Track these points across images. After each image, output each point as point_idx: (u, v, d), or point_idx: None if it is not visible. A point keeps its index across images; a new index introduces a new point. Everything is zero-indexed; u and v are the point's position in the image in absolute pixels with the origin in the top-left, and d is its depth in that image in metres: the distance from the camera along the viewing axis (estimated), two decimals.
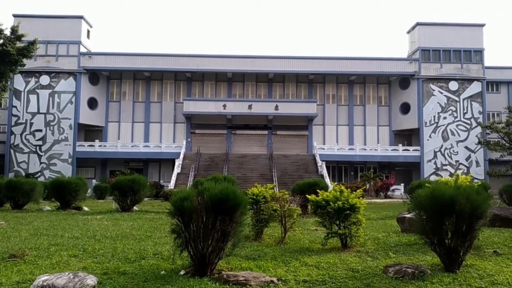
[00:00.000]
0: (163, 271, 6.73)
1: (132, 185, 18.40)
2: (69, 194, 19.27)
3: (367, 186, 37.10)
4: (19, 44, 34.04)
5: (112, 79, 46.02)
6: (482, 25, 45.10)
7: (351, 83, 46.37)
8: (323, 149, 42.60)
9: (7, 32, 34.00)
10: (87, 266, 7.05)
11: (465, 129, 43.52)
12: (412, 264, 7.17)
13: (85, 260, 7.61)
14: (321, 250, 8.80)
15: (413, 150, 43.55)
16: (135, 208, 19.11)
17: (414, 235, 10.13)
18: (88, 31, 45.46)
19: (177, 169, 37.46)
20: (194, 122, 44.91)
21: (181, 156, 39.85)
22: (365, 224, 9.64)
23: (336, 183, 34.61)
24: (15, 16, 41.16)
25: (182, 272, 6.65)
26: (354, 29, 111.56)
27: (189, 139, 44.41)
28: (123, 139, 44.45)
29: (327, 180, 33.89)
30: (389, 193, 38.61)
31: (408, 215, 11.45)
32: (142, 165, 44.62)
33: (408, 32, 46.88)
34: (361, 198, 9.21)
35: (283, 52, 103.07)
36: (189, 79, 45.85)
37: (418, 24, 44.95)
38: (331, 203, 8.88)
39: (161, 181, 40.56)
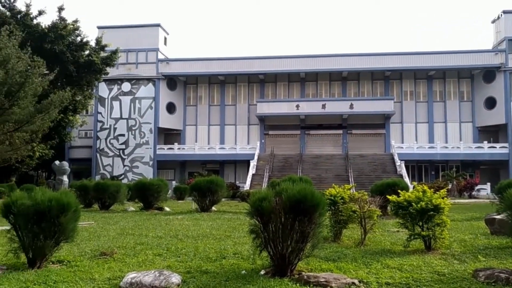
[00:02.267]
0: (244, 271, 6.81)
1: (210, 186, 18.75)
2: (151, 195, 20.09)
3: (450, 185, 35.37)
4: (102, 54, 36.21)
5: (189, 83, 47.57)
6: None
7: (430, 78, 44.46)
8: (402, 148, 41.20)
9: (92, 43, 36.26)
10: (171, 265, 7.30)
11: None
12: (506, 268, 6.70)
13: (169, 259, 7.88)
14: (403, 252, 8.49)
15: (500, 147, 40.91)
16: (213, 208, 19.51)
17: (506, 238, 9.51)
18: (165, 38, 47.33)
19: (252, 170, 37.93)
20: (268, 124, 45.25)
21: (256, 157, 40.30)
22: (450, 225, 9.17)
23: (416, 182, 33.42)
24: (99, 28, 43.76)
25: (262, 272, 6.69)
26: (433, 22, 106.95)
27: (263, 141, 44.81)
28: (200, 142, 45.79)
29: (407, 180, 32.76)
30: (473, 193, 36.54)
31: (498, 217, 10.74)
32: (218, 167, 45.70)
33: (493, 22, 44.15)
34: (445, 198, 8.79)
35: (357, 49, 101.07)
36: (262, 81, 46.30)
37: (504, 12, 42.16)
38: (413, 203, 8.54)
39: (237, 182, 41.27)
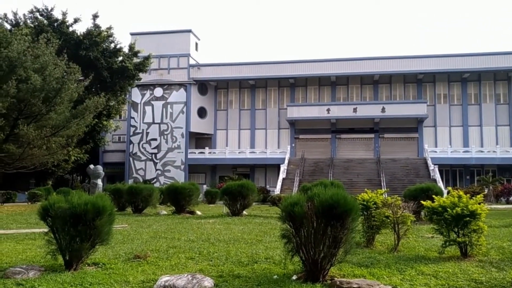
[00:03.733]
0: (276, 276, 6.80)
1: (241, 190, 18.78)
2: (183, 199, 20.31)
3: (486, 191, 34.39)
4: (135, 60, 36.91)
5: (220, 88, 47.93)
6: None
7: (464, 81, 43.44)
8: (435, 152, 40.36)
9: (126, 49, 37.02)
10: (203, 269, 7.35)
11: None
12: None
13: (201, 262, 7.95)
14: (438, 258, 8.31)
15: None
16: (244, 212, 19.55)
17: None
18: (196, 44, 47.88)
19: (282, 174, 37.86)
20: (298, 128, 45.09)
21: (286, 161, 40.22)
22: (487, 231, 8.92)
23: (451, 187, 32.65)
24: (132, 34, 44.63)
25: (294, 277, 6.66)
26: (468, 24, 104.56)
27: (293, 145, 44.68)
28: (231, 146, 46.03)
29: (441, 185, 32.05)
30: (511, 198, 35.42)
31: None
32: (248, 171, 45.82)
33: None
34: (482, 204, 8.57)
35: (389, 52, 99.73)
36: (292, 85, 46.23)
37: None
38: (448, 209, 8.37)
39: (267, 186, 41.27)
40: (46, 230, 7.59)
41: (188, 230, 13.04)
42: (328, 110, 42.73)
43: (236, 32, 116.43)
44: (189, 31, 46.41)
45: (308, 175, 37.55)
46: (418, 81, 44.09)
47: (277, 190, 34.93)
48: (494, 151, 40.07)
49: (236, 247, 9.54)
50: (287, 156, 41.34)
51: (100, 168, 27.63)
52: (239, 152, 44.53)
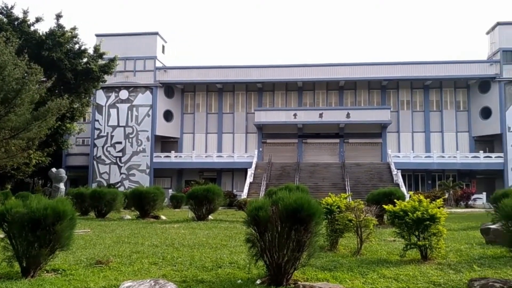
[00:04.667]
0: (240, 280, 6.80)
1: (207, 194, 18.69)
2: (147, 204, 20.03)
3: (446, 195, 35.38)
4: (100, 62, 36.23)
5: (186, 91, 47.62)
6: None
7: (426, 88, 44.65)
8: (398, 157, 41.25)
9: (90, 51, 36.32)
10: (167, 274, 7.28)
11: None
12: (500, 278, 6.71)
13: (165, 267, 7.86)
14: (400, 261, 8.49)
15: (495, 157, 41.04)
16: (210, 217, 19.47)
17: (500, 247, 9.53)
18: (163, 46, 47.45)
19: (249, 179, 37.90)
20: (266, 132, 45.27)
21: (253, 165, 40.29)
22: (446, 235, 9.18)
23: (412, 192, 33.42)
24: (97, 35, 43.82)
25: (258, 282, 6.68)
26: (429, 33, 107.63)
27: (260, 149, 44.80)
28: (197, 150, 45.76)
29: (403, 189, 32.77)
30: (470, 202, 36.55)
31: (493, 226, 10.77)
32: (215, 175, 45.64)
33: (488, 33, 44.47)
34: (441, 208, 8.82)
35: (355, 59, 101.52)
36: (260, 90, 46.40)
37: (498, 24, 42.49)
38: (409, 213, 8.58)
39: (234, 191, 41.19)
40: (2, 236, 7.35)
41: (152, 235, 12.89)
42: (295, 115, 43.09)
43: (204, 36, 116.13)
44: (156, 33, 45.96)
45: (275, 179, 37.72)
46: (382, 88, 45.04)
47: (244, 194, 34.92)
48: (454, 157, 41.31)
49: (200, 252, 9.49)
50: (255, 160, 41.41)
51: (62, 171, 27.01)
52: (206, 156, 44.30)
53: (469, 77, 42.67)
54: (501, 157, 40.74)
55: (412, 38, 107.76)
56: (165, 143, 47.14)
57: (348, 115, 42.35)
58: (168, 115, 46.09)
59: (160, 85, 45.17)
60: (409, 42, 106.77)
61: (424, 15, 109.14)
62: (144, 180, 42.70)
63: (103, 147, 44.80)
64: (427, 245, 8.58)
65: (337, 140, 44.61)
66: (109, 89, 44.76)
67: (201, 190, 19.04)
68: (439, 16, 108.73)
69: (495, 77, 41.61)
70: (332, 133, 44.45)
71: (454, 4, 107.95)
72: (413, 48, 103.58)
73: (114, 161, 44.51)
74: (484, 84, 42.99)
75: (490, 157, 41.15)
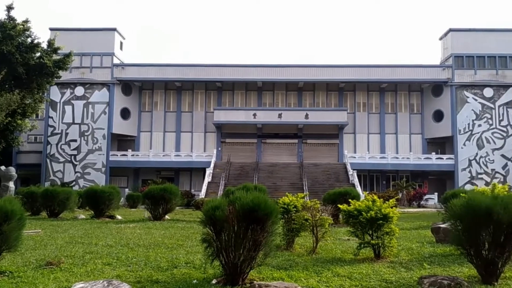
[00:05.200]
0: (195, 280, 6.76)
1: (164, 194, 18.54)
2: (102, 203, 19.59)
3: (400, 195, 36.44)
4: (55, 57, 35.07)
5: (145, 89, 46.88)
6: None
7: (382, 90, 45.82)
8: (354, 157, 42.14)
9: (44, 45, 35.11)
10: (121, 274, 7.15)
11: (501, 136, 42.31)
12: (448, 275, 6.98)
13: (119, 268, 7.72)
14: (354, 260, 8.68)
15: (447, 159, 42.58)
16: (166, 217, 19.28)
17: (449, 246, 9.88)
18: (121, 43, 46.52)
19: (207, 178, 37.72)
20: (225, 131, 45.19)
21: (212, 165, 40.12)
22: (398, 234, 9.45)
23: (367, 192, 34.22)
24: (51, 29, 42.41)
25: (214, 282, 6.67)
26: (385, 37, 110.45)
27: (219, 148, 44.68)
28: (155, 149, 45.14)
29: (359, 189, 33.46)
30: (422, 202, 37.80)
31: (443, 225, 11.18)
32: (173, 174, 45.17)
33: (441, 39, 46.06)
34: (394, 207, 9.07)
35: (312, 60, 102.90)
36: (219, 89, 46.27)
37: (450, 30, 44.12)
38: (363, 212, 8.78)
39: (192, 190, 40.90)
40: None
41: (106, 235, 12.62)
42: (254, 115, 43.23)
43: (165, 33, 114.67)
44: (114, 29, 45.00)
45: (233, 179, 37.70)
46: (340, 90, 45.87)
47: (202, 194, 34.71)
48: (407, 158, 42.59)
49: (156, 252, 9.38)
50: (213, 160, 41.25)
51: (12, 169, 25.96)
52: (163, 155, 43.76)
53: (423, 81, 44.10)
54: (452, 158, 42.32)
55: (370, 42, 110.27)
56: (122, 142, 46.22)
57: (306, 116, 42.89)
58: (125, 113, 45.21)
59: (118, 82, 44.26)
60: (367, 46, 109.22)
61: (381, 20, 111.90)
62: (99, 179, 41.75)
63: (57, 144, 43.46)
64: (380, 244, 8.81)
65: (295, 141, 45.09)
66: (64, 85, 43.47)
67: (158, 189, 18.88)
68: (396, 21, 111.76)
69: (447, 82, 43.17)
70: (291, 133, 44.88)
71: (410, 10, 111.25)
72: (371, 52, 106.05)
73: (69, 159, 43.28)
74: (437, 88, 44.53)
75: (442, 158, 42.68)
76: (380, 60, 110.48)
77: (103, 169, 42.99)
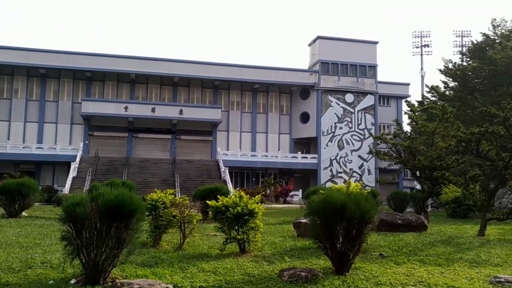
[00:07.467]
0: (52, 281, 6.36)
1: (21, 189, 17.21)
2: None
3: (268, 191, 37.96)
4: None
5: (3, 74, 42.55)
6: (376, 43, 48.33)
7: (255, 91, 47.31)
8: (227, 155, 42.91)
9: None
10: None
11: (359, 139, 46.35)
12: (306, 268, 7.46)
13: None
14: (220, 255, 8.85)
15: (311, 158, 45.43)
16: (24, 213, 17.86)
17: (309, 240, 10.54)
18: None
19: (72, 173, 35.52)
20: (93, 124, 42.90)
21: (78, 159, 37.82)
22: (263, 229, 9.86)
23: (238, 188, 35.06)
24: None
25: (73, 281, 6.34)
26: (259, 40, 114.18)
27: (86, 142, 42.31)
28: (14, 140, 41.24)
29: (230, 186, 34.19)
30: (288, 198, 39.80)
31: (304, 220, 11.88)
32: (34, 168, 41.72)
33: (310, 45, 48.94)
34: (259, 203, 9.42)
35: (189, 57, 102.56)
36: (89, 79, 43.81)
37: (319, 37, 47.10)
38: (230, 208, 9.00)
39: (55, 185, 38.23)
40: None
41: None
42: (126, 108, 41.70)
43: (33, 15, 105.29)
44: None
45: (101, 174, 36.00)
46: (215, 87, 46.35)
47: (66, 190, 32.55)
48: (276, 156, 44.59)
49: (8, 252, 8.62)
50: (79, 154, 38.89)
51: None
52: (23, 147, 40.12)
53: (292, 84, 46.50)
54: (316, 158, 45.30)
55: (246, 44, 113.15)
56: None
57: (181, 112, 42.58)
58: None
59: None
60: (244, 47, 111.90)
61: (257, 23, 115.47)
62: None
63: None
64: (245, 239, 9.11)
65: (169, 136, 44.52)
66: None
67: (14, 184, 17.50)
68: (271, 25, 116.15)
69: (314, 86, 46.06)
70: (164, 128, 44.19)
71: (285, 15, 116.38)
72: (247, 53, 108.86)
73: None
74: (305, 91, 47.28)
75: (306, 157, 45.44)
76: (254, 61, 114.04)
77: None
